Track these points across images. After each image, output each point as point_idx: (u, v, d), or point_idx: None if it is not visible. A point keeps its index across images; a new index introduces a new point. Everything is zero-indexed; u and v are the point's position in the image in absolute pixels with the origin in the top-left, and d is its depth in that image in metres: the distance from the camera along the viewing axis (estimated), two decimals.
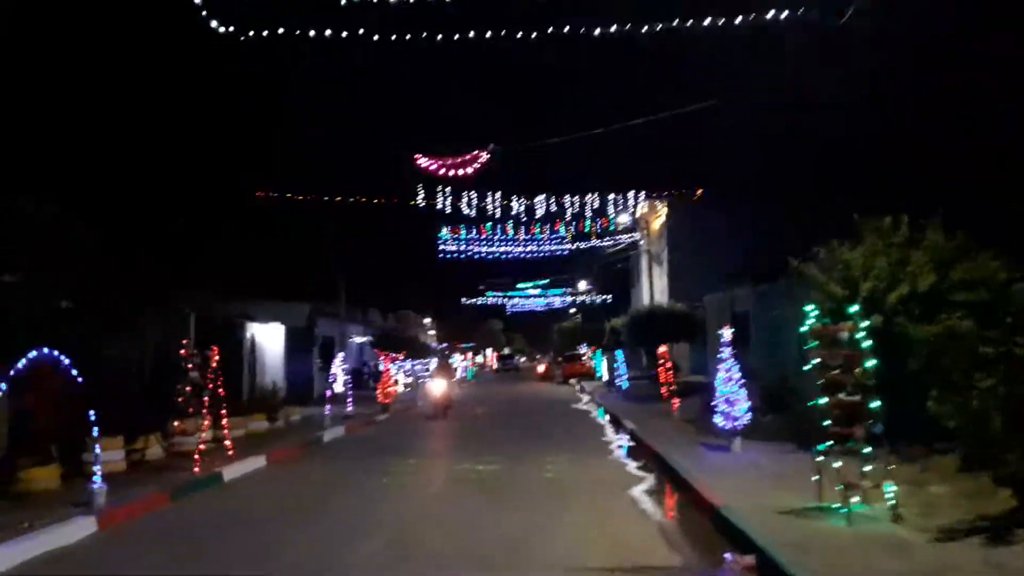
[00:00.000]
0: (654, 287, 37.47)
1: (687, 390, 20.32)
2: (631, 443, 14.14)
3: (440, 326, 59.91)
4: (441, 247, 30.70)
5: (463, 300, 59.69)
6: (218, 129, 24.25)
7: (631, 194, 29.76)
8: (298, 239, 29.72)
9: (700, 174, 31.00)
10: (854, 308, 7.44)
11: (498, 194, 24.51)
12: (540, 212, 28.53)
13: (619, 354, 27.69)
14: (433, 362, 33.98)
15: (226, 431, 12.35)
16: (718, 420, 11.56)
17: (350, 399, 19.18)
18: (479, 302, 61.67)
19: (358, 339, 34.34)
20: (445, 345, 55.16)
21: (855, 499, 6.91)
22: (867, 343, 7.02)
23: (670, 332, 27.43)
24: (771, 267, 24.06)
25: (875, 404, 6.91)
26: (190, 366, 11.86)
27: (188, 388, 11.82)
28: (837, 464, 6.91)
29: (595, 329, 57.82)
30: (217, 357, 11.91)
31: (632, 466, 11.46)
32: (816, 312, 7.25)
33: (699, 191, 27.04)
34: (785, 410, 13.61)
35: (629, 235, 39.27)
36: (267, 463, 12.56)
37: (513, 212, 27.65)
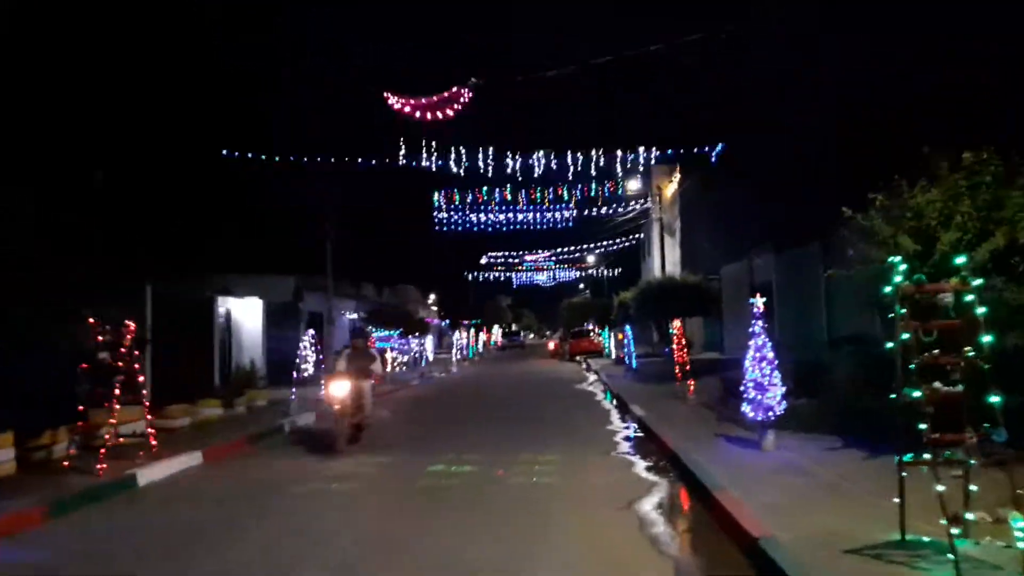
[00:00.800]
0: (666, 259, 35.15)
1: (702, 369, 18.13)
2: (639, 434, 11.99)
3: (444, 302, 57.85)
4: (436, 215, 28.53)
5: (466, 275, 57.65)
6: (184, 85, 21.97)
7: (641, 152, 27.37)
8: (282, 206, 27.53)
9: (718, 132, 28.55)
10: (960, 259, 5.19)
11: (490, 151, 22.14)
12: (539, 171, 26.27)
13: (628, 330, 25.50)
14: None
15: (148, 421, 10.25)
16: (746, 409, 9.38)
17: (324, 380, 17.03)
18: (482, 276, 59.58)
19: (350, 315, 32.26)
20: (439, 321, 53.11)
21: (956, 530, 4.75)
22: (981, 310, 4.81)
23: (684, 306, 25.21)
24: (798, 231, 21.77)
25: (995, 399, 4.72)
26: (102, 345, 9.74)
27: (100, 371, 9.72)
28: (940, 487, 4.71)
29: (604, 304, 55.83)
30: (132, 334, 9.79)
31: (640, 467, 9.30)
32: (905, 267, 4.99)
33: (715, 149, 24.50)
34: (821, 393, 11.43)
35: (640, 203, 36.93)
36: (203, 461, 10.50)
37: (509, 170, 25.34)
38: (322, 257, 26.00)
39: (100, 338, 9.71)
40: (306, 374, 16.50)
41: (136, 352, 9.92)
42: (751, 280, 25.30)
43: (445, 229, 28.78)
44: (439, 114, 14.62)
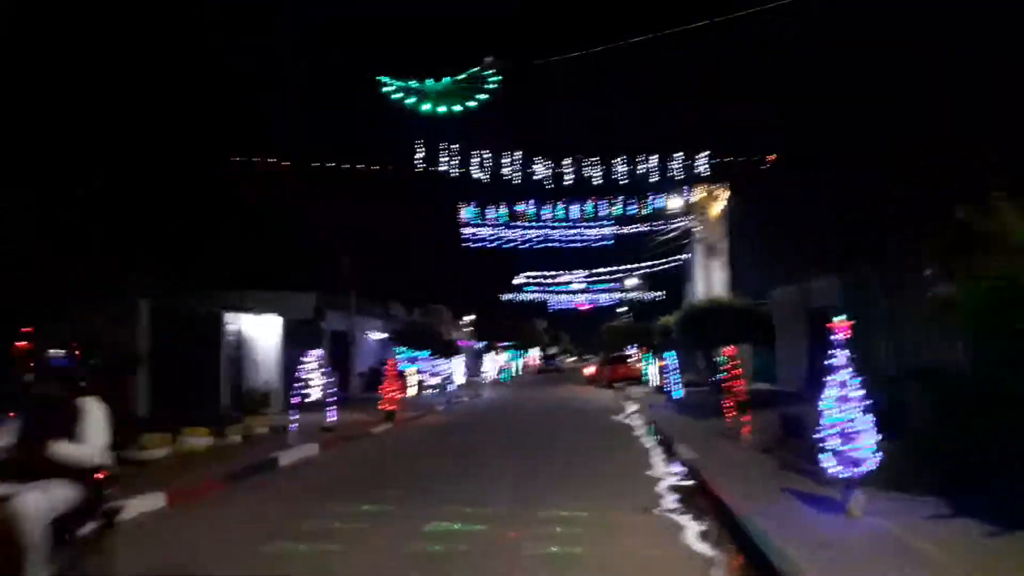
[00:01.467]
0: (712, 281, 33.03)
1: (754, 401, 16.06)
2: (686, 482, 10.03)
3: (478, 324, 56.22)
4: (466, 231, 26.94)
5: (501, 297, 55.96)
6: (194, 87, 20.77)
7: (681, 161, 25.46)
8: (303, 219, 26.21)
9: (769, 146, 26.49)
10: None
11: (519, 160, 20.53)
12: (572, 181, 24.55)
13: (670, 356, 23.47)
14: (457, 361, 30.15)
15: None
16: (828, 463, 7.39)
17: (331, 407, 15.40)
18: (518, 299, 57.82)
19: (376, 335, 30.80)
20: (473, 343, 51.31)
21: None
22: None
23: (731, 331, 23.06)
24: (862, 252, 19.61)
25: None
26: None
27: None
28: None
29: (646, 329, 53.48)
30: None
31: (690, 533, 7.37)
32: None
33: (769, 158, 22.51)
34: (912, 436, 9.36)
35: (684, 220, 34.91)
36: (166, 504, 8.86)
37: (542, 181, 23.63)
38: (348, 275, 24.60)
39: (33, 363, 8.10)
40: (311, 399, 14.87)
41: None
42: (808, 303, 23.11)
43: (475, 246, 27.14)
44: (461, 103, 12.99)
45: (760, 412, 14.63)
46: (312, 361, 14.88)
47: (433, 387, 29.15)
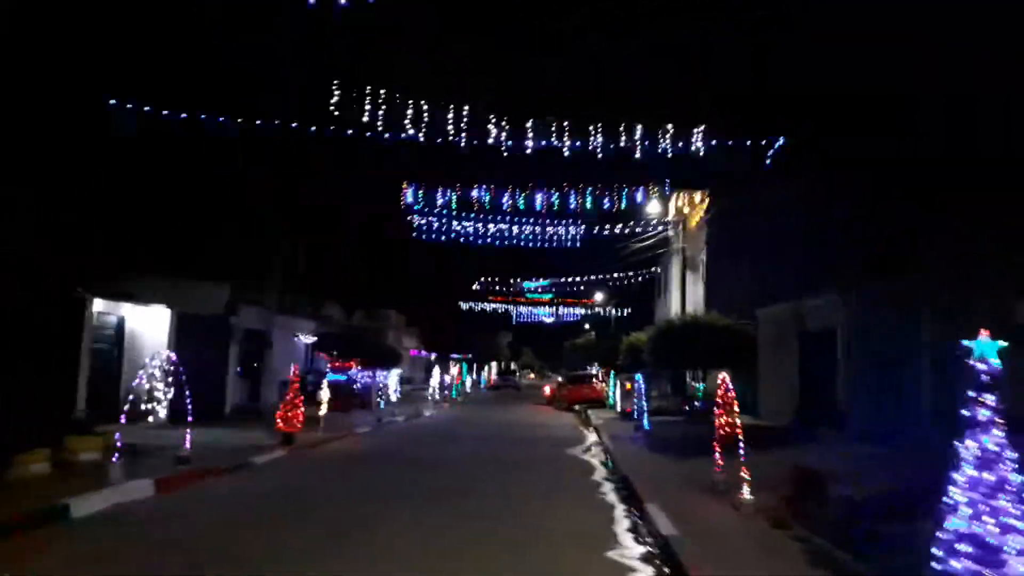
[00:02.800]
0: (687, 298, 29.76)
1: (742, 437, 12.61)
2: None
3: (431, 333, 52.31)
4: (416, 218, 23.38)
5: (460, 304, 52.46)
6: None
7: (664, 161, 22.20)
8: (225, 198, 22.37)
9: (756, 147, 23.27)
10: None
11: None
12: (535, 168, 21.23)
13: (640, 379, 20.06)
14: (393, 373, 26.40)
15: None
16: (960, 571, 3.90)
17: (189, 432, 11.47)
18: (479, 308, 54.35)
19: (305, 338, 26.90)
20: (425, 354, 47.58)
21: None
22: None
23: (714, 352, 19.77)
24: (883, 264, 16.38)
25: None
26: None
27: None
28: None
29: (611, 346, 50.12)
30: None
31: None
32: None
33: (770, 149, 19.29)
34: None
35: (661, 229, 31.67)
36: None
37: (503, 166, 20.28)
38: (268, 263, 20.82)
39: None
40: (155, 416, 11.03)
41: None
42: (801, 325, 19.85)
43: (425, 237, 23.56)
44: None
45: (754, 455, 11.16)
46: (158, 365, 11.05)
47: (364, 403, 25.28)
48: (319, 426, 17.21)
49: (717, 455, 10.59)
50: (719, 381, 11.35)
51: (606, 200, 21.63)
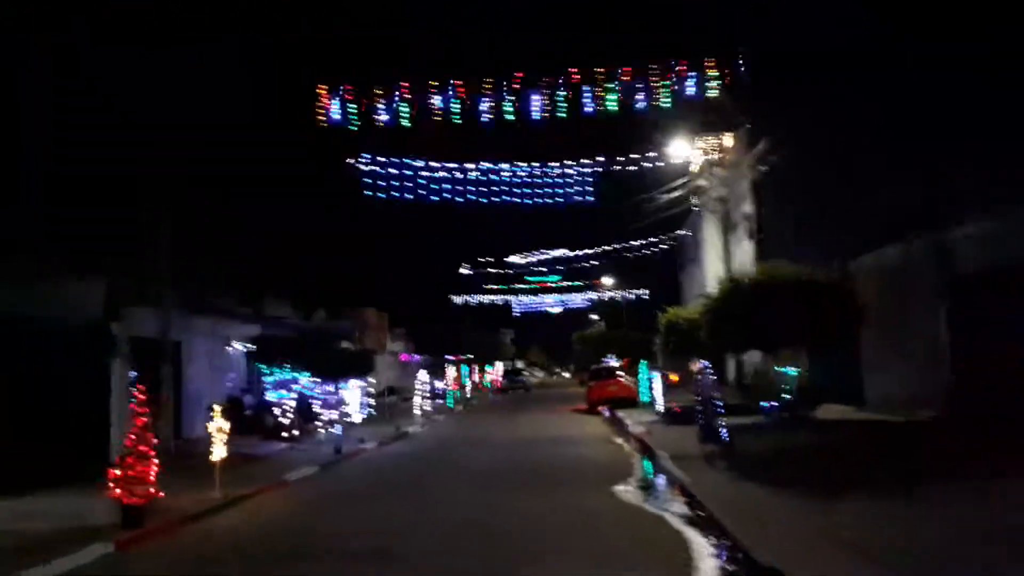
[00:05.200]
0: (731, 264, 23.32)
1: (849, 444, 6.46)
2: None
3: (422, 332, 45.84)
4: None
5: (453, 299, 46.34)
6: None
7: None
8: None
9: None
10: None
11: None
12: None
13: (705, 365, 13.66)
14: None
15: None
16: None
17: None
18: (477, 302, 48.32)
19: (241, 346, 20.51)
20: (416, 358, 41.17)
21: None
22: None
23: (805, 320, 13.41)
24: None
25: None
26: None
27: None
28: None
29: (624, 336, 44.12)
30: None
31: None
32: None
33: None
34: None
35: (682, 183, 25.23)
36: None
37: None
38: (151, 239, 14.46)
39: None
40: None
41: None
42: (948, 271, 13.41)
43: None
44: None
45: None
46: None
47: (316, 426, 18.75)
48: (215, 476, 10.66)
49: None
50: None
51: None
